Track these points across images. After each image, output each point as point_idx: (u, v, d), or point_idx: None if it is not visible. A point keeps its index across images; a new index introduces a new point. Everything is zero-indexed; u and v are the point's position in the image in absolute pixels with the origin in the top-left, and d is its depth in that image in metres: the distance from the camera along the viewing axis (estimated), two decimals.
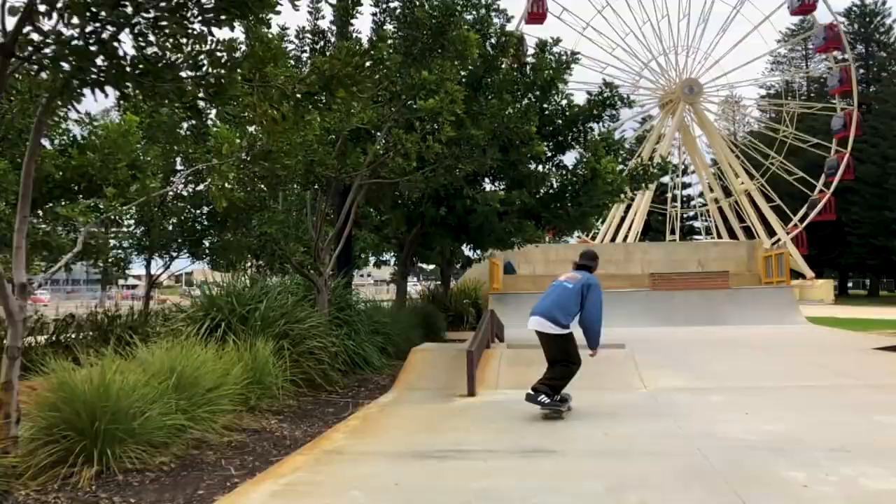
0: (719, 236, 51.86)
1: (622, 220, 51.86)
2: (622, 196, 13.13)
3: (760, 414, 6.64)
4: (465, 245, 14.49)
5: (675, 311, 18.92)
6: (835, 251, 56.76)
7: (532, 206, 12.89)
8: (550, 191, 12.97)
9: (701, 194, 60.81)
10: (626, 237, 50.22)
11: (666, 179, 61.77)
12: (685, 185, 65.13)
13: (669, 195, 61.59)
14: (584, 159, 12.62)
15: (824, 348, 12.52)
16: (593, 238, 48.02)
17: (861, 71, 58.12)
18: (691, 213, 64.43)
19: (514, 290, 21.93)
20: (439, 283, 22.75)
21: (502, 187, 13.08)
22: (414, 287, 30.27)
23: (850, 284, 69.27)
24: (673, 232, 56.90)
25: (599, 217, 13.81)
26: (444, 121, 7.99)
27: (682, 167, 62.75)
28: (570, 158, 13.47)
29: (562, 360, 6.90)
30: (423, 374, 8.74)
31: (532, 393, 6.69)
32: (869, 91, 59.32)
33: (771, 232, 49.95)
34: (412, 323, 12.83)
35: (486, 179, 13.31)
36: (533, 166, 12.58)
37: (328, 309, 9.48)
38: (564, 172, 12.98)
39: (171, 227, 11.38)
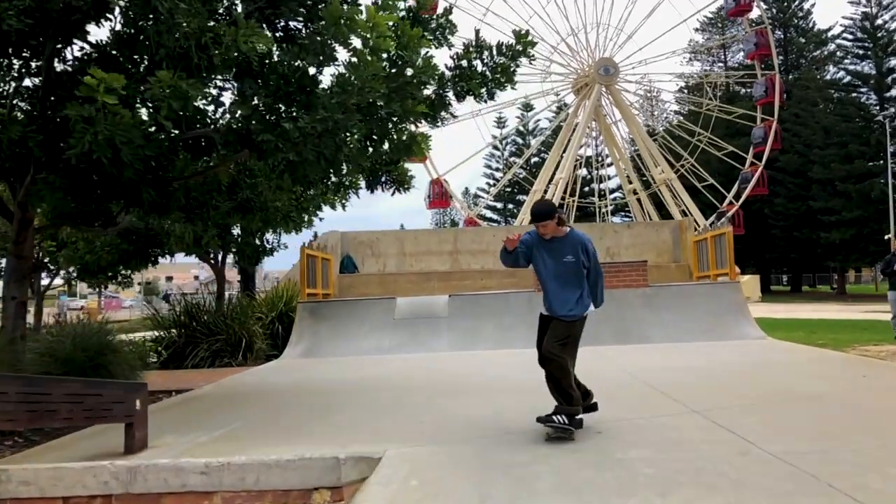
0: None
1: None
2: (429, 107, 6.20)
3: None
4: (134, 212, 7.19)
5: None
6: (758, 246, 52.12)
7: (236, 120, 5.80)
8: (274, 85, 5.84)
9: (620, 187, 55.30)
10: None
11: (583, 172, 56.05)
12: (604, 178, 59.60)
13: (587, 188, 55.90)
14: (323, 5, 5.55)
15: (861, 416, 5.79)
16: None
17: (780, 57, 53.71)
18: (611, 208, 58.88)
19: (353, 293, 14.82)
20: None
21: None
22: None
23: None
24: None
25: (379, 156, 6.44)
26: None
27: (601, 158, 57.13)
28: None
29: None
30: None
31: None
32: (788, 78, 55.05)
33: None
34: None
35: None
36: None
37: None
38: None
39: None
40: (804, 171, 48.14)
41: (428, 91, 6.57)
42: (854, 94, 47.69)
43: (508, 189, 56.12)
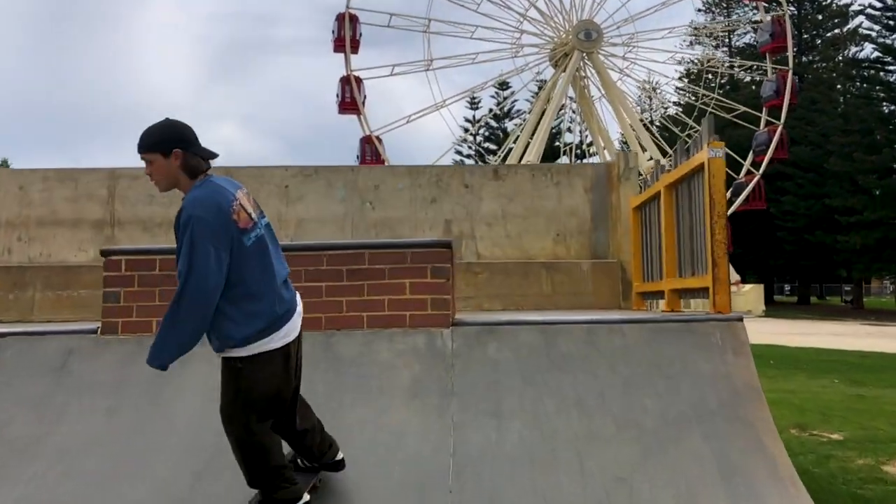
0: None
1: None
2: None
3: None
4: None
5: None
6: (761, 250, 43.09)
7: None
8: None
9: None
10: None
11: (565, 160, 47.12)
12: None
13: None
14: None
15: None
16: None
17: (794, 35, 44.54)
18: None
19: None
20: None
21: None
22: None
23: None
24: None
25: None
26: None
27: (586, 142, 48.11)
28: None
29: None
30: None
31: None
32: (802, 59, 45.90)
33: None
34: None
35: None
36: None
37: None
38: None
39: None
40: (819, 163, 39.09)
41: None
42: (882, 73, 38.56)
43: None
